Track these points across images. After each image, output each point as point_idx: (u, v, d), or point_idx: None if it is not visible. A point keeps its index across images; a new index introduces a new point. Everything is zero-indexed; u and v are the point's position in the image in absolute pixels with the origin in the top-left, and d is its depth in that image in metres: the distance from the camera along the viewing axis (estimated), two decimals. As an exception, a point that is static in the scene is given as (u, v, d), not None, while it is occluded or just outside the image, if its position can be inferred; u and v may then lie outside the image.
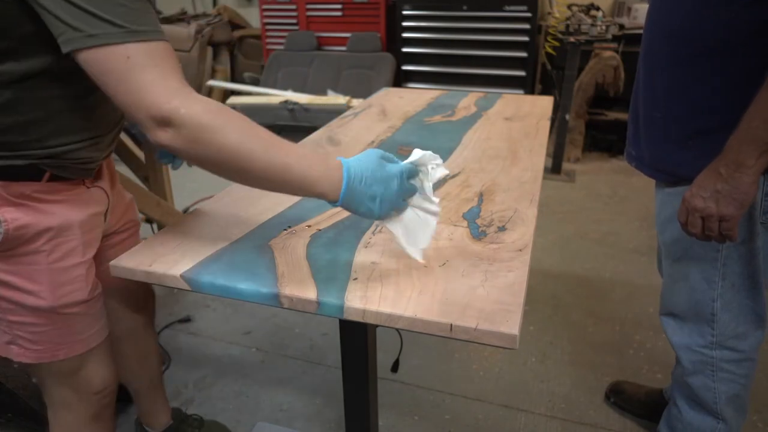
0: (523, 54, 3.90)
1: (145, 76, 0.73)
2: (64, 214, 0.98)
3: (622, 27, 3.67)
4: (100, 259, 1.14)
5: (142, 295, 1.35)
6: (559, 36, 3.54)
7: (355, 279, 0.88)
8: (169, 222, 1.20)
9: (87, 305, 1.04)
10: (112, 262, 0.96)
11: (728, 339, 1.18)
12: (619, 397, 1.70)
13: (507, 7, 3.83)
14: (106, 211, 1.09)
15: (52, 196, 0.96)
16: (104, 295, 1.23)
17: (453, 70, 4.12)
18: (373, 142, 1.57)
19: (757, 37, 0.93)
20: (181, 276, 0.91)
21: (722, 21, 0.96)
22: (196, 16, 4.76)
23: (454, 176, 1.31)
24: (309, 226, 1.07)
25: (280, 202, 1.18)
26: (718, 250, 1.11)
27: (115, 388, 1.19)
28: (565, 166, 3.74)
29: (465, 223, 1.07)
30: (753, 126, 0.89)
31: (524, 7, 3.78)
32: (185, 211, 2.81)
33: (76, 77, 0.83)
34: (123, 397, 1.72)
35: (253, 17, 4.96)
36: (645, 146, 1.18)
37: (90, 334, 1.07)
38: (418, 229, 0.89)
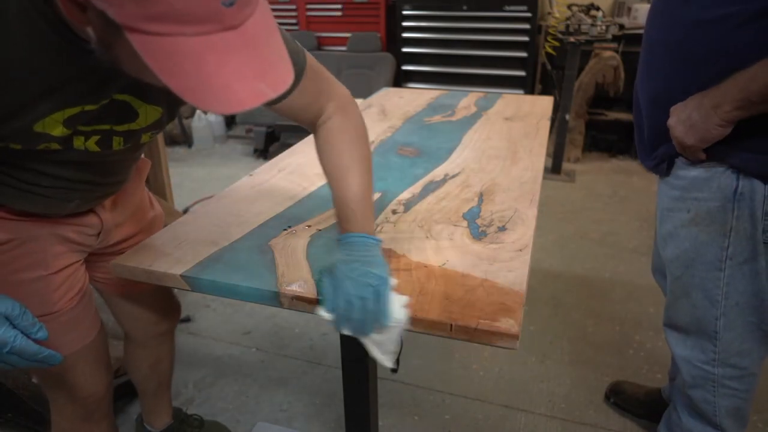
0: (523, 54, 3.90)
1: None
2: (31, 228, 0.94)
3: (622, 27, 3.67)
4: (96, 266, 1.14)
5: (166, 305, 1.33)
6: (559, 36, 3.54)
7: (355, 279, 0.88)
8: (169, 222, 1.20)
9: (52, 317, 0.98)
10: (113, 262, 0.97)
11: (731, 356, 1.15)
12: (619, 397, 1.70)
13: (507, 7, 3.83)
14: (99, 232, 1.05)
15: (20, 216, 0.92)
16: (127, 299, 1.23)
17: (453, 70, 4.12)
18: (373, 141, 1.57)
19: (756, 52, 0.93)
20: (181, 276, 0.91)
21: (716, 38, 0.96)
22: (196, 16, 4.76)
23: (454, 176, 1.31)
24: (309, 226, 1.07)
25: (280, 202, 1.18)
26: (721, 270, 1.08)
27: (106, 394, 1.16)
28: (565, 166, 3.74)
29: (465, 223, 1.07)
30: (748, 77, 0.91)
31: (524, 7, 3.78)
32: (185, 211, 2.80)
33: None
34: (126, 394, 1.72)
35: (253, 17, 4.96)
36: (657, 154, 1.16)
37: (60, 344, 0.99)
38: (386, 340, 0.82)
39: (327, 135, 0.94)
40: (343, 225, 0.88)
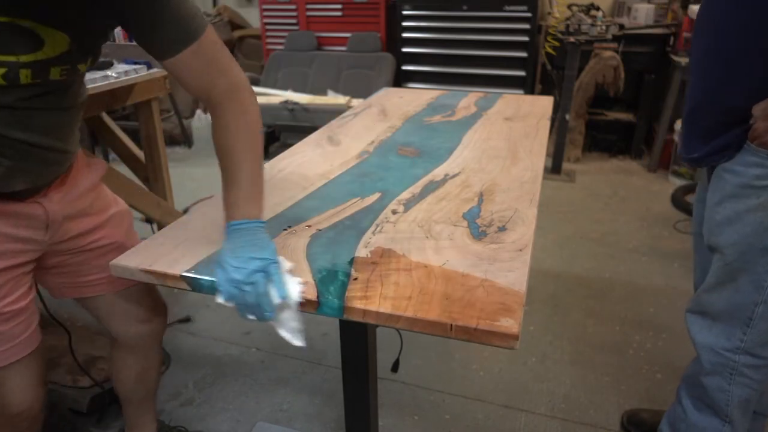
0: (523, 54, 3.90)
1: None
2: None
3: (622, 27, 3.66)
4: (67, 271, 1.11)
5: (148, 307, 1.29)
6: (559, 36, 3.54)
7: (355, 279, 0.88)
8: (169, 222, 1.19)
9: None
10: (112, 262, 0.96)
11: (756, 346, 1.17)
12: (639, 429, 1.63)
13: (507, 7, 3.83)
14: (46, 226, 1.02)
15: None
16: (115, 298, 1.20)
17: (453, 70, 4.12)
18: (373, 141, 1.57)
19: None
20: (181, 276, 0.91)
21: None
22: (196, 16, 4.76)
23: (454, 176, 1.31)
24: (309, 226, 1.07)
25: (280, 202, 1.18)
26: None
27: (38, 413, 1.11)
28: (565, 166, 3.74)
29: (465, 223, 1.07)
30: None
31: (524, 7, 3.78)
32: (185, 211, 2.80)
33: None
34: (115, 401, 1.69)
35: (253, 17, 4.96)
36: (727, 136, 1.13)
37: None
38: (288, 319, 0.87)
39: (220, 118, 0.94)
40: (228, 211, 0.91)
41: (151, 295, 1.30)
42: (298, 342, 0.88)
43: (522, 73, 3.95)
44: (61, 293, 1.17)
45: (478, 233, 1.03)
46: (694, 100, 1.18)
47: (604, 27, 3.43)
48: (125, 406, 1.44)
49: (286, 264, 0.88)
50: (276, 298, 0.83)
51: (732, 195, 1.13)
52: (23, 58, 0.82)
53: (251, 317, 0.85)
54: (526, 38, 3.86)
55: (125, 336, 1.29)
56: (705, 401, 1.27)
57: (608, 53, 3.58)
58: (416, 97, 2.11)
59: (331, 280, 0.88)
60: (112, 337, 1.31)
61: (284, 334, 0.87)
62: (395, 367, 1.44)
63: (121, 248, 1.15)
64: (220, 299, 0.86)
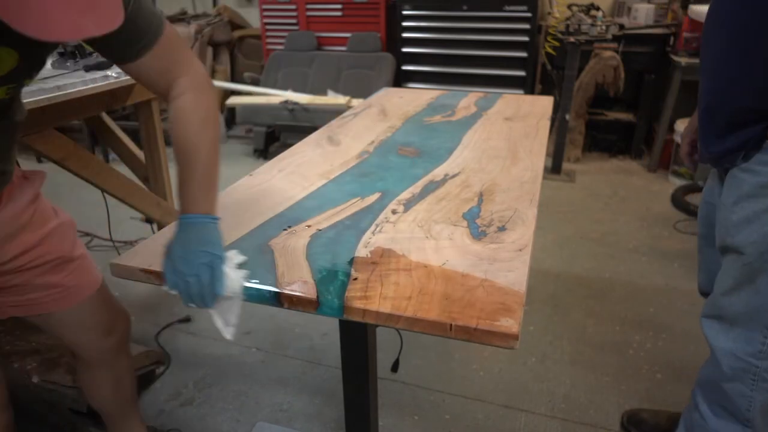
0: (523, 54, 3.90)
1: None
2: None
3: (622, 27, 3.66)
4: (11, 290, 1.07)
5: (106, 320, 1.22)
6: (559, 36, 3.54)
7: (355, 279, 0.88)
8: (169, 222, 1.19)
9: None
10: (111, 262, 0.96)
11: None
12: (639, 428, 1.63)
13: (507, 7, 3.83)
14: None
15: None
16: (69, 314, 1.14)
17: (453, 70, 4.12)
18: (373, 141, 1.57)
19: None
20: (181, 276, 0.91)
21: None
22: (196, 16, 4.76)
23: (454, 176, 1.31)
24: (309, 226, 1.07)
25: (280, 202, 1.18)
26: None
27: None
28: (565, 166, 3.74)
29: (465, 223, 1.07)
30: None
31: (524, 7, 3.78)
32: (185, 211, 2.80)
33: None
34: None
35: (253, 17, 4.96)
36: (741, 134, 1.12)
37: None
38: (226, 311, 0.90)
39: (179, 112, 0.93)
40: (183, 204, 0.92)
41: (107, 306, 1.23)
42: (228, 335, 0.90)
43: (522, 73, 3.96)
44: (4, 313, 1.10)
45: (477, 233, 1.03)
46: (705, 100, 1.17)
47: (604, 27, 3.43)
48: (108, 421, 1.38)
49: (239, 258, 0.91)
50: (217, 291, 0.87)
51: (750, 195, 1.11)
52: None
53: (192, 305, 0.88)
54: (526, 38, 3.86)
55: (87, 352, 1.23)
56: (724, 406, 1.24)
57: (608, 53, 3.58)
58: (416, 97, 2.11)
59: (331, 280, 0.88)
60: (75, 355, 1.25)
61: (218, 323, 0.90)
62: (395, 367, 1.45)
63: (67, 262, 1.11)
64: (165, 287, 0.89)
